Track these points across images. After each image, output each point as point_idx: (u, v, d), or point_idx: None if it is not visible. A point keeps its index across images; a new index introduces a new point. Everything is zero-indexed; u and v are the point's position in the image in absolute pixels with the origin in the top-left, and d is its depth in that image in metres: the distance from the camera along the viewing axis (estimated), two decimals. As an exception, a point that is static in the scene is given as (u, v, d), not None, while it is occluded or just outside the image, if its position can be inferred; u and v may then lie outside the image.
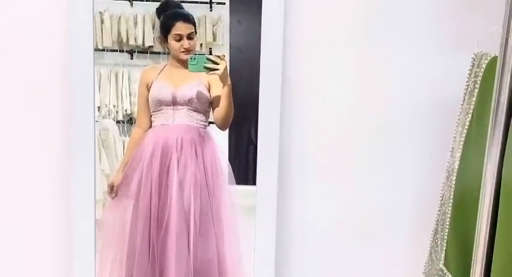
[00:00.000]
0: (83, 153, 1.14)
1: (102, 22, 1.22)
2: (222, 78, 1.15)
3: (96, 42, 1.20)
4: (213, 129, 1.26)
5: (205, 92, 1.22)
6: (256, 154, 1.17)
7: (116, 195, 1.25)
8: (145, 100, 1.23)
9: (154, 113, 1.23)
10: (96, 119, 1.17)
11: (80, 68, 1.11)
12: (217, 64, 1.14)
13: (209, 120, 1.26)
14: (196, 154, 1.22)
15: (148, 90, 1.23)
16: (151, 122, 1.24)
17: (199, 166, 1.22)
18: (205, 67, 1.16)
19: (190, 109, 1.21)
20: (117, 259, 1.25)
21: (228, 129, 1.25)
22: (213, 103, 1.23)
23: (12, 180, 1.23)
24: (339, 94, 1.22)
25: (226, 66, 1.15)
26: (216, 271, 1.24)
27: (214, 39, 1.25)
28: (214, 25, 1.25)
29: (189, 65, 1.16)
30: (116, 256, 1.25)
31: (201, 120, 1.22)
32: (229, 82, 1.17)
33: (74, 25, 1.10)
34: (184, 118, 1.21)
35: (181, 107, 1.21)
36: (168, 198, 1.21)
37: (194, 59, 1.16)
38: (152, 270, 1.21)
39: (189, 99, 1.20)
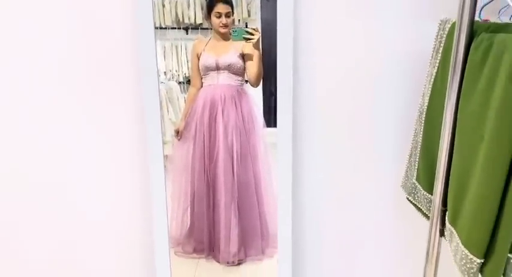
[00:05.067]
0: (152, 105, 1.39)
1: (163, 6, 1.47)
2: (256, 45, 1.46)
3: (160, 22, 1.46)
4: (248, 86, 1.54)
5: (240, 59, 1.52)
6: (276, 103, 1.40)
7: (181, 137, 1.57)
8: (197, 66, 1.53)
9: (204, 76, 1.53)
10: (162, 81, 1.46)
11: (147, 41, 1.35)
12: (253, 35, 1.46)
13: (245, 79, 1.54)
14: (235, 106, 1.54)
15: (198, 59, 1.53)
16: (202, 82, 1.54)
17: (238, 115, 1.54)
18: (244, 37, 1.47)
19: (229, 72, 1.52)
20: (183, 182, 1.61)
21: (261, 86, 1.52)
22: (246, 67, 1.52)
23: (99, 130, 1.51)
24: (341, 54, 1.43)
25: (259, 37, 1.45)
26: (254, 191, 1.60)
27: (249, 15, 1.51)
28: (248, 4, 1.50)
29: (232, 36, 1.47)
30: (182, 180, 1.61)
31: (239, 80, 1.54)
32: (260, 49, 1.46)
33: (140, 10, 1.33)
34: (226, 79, 1.53)
35: (222, 71, 1.52)
36: (217, 138, 1.54)
37: (235, 31, 1.46)
38: (207, 190, 1.58)
39: (229, 65, 1.51)
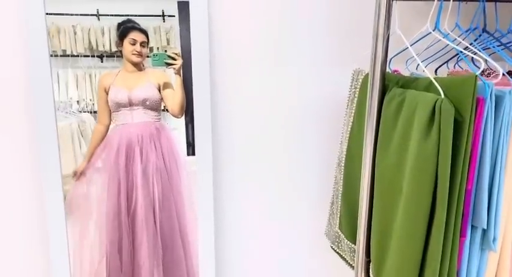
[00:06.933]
0: (49, 142, 1.35)
1: (75, 33, 1.42)
2: (178, 71, 1.37)
3: (72, 50, 1.41)
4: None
5: (156, 92, 1.41)
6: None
7: (78, 179, 1.43)
8: (105, 101, 1.41)
9: (114, 113, 1.41)
10: (74, 112, 1.41)
11: (40, 70, 1.32)
12: (175, 60, 1.37)
13: (163, 111, 1.45)
14: (155, 146, 1.43)
15: (107, 94, 1.41)
16: (110, 119, 1.42)
17: (158, 155, 1.43)
18: (165, 62, 1.37)
19: (145, 108, 1.40)
20: (96, 230, 1.46)
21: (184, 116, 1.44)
22: (166, 98, 1.42)
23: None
24: (257, 95, 1.46)
25: (181, 62, 1.37)
26: (180, 242, 1.48)
27: (168, 43, 1.44)
28: (167, 33, 1.44)
29: (151, 61, 1.37)
30: (95, 227, 1.46)
31: (156, 116, 1.43)
32: (181, 75, 1.38)
33: (32, 36, 1.30)
34: (142, 116, 1.41)
35: (136, 107, 1.40)
36: (135, 184, 1.42)
37: (156, 55, 1.37)
38: (125, 244, 1.45)
39: (143, 99, 1.40)
